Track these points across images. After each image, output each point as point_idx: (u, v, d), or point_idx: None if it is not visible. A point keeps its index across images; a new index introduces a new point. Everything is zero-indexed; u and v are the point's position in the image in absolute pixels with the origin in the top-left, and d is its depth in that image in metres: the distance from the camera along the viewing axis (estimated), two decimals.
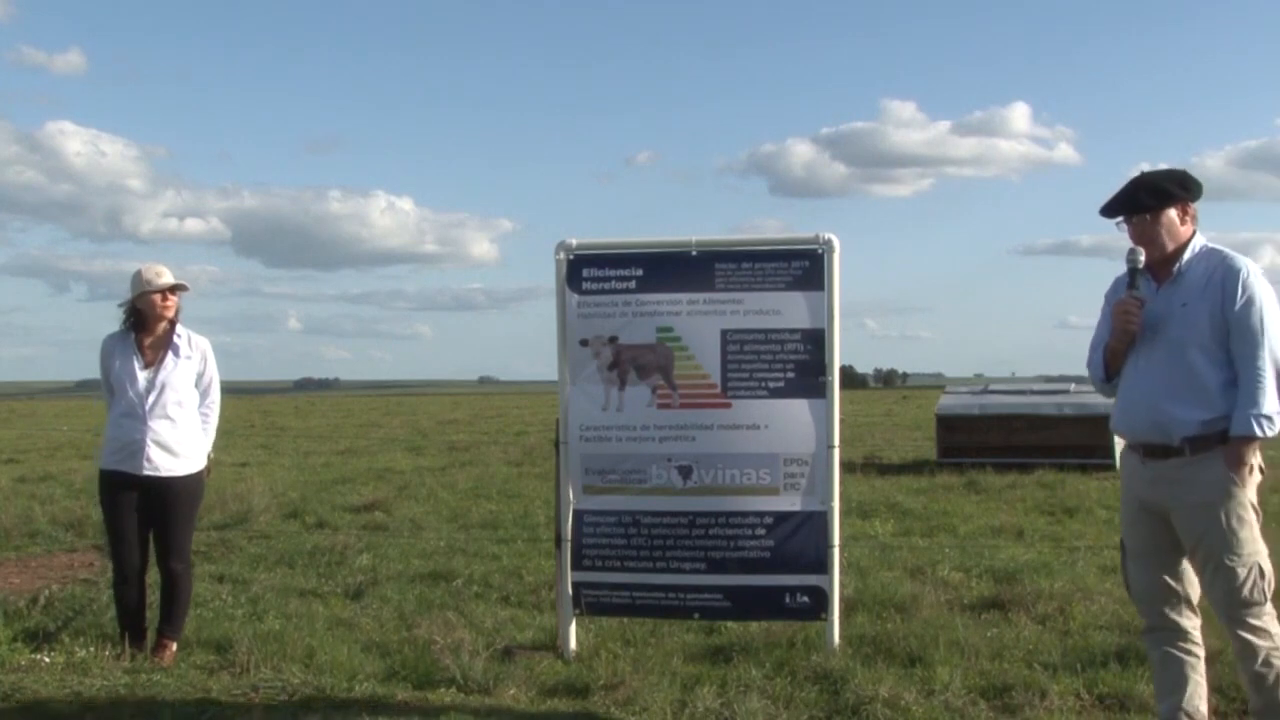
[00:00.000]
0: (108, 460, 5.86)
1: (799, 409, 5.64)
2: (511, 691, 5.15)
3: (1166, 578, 4.11)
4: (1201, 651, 4.15)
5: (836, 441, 5.66)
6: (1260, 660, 3.91)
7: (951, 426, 16.37)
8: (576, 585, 5.81)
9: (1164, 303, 4.02)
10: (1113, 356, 4.16)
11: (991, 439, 15.77)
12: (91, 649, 5.78)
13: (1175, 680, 4.12)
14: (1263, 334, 3.88)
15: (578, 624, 5.88)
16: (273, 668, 5.45)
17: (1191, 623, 4.13)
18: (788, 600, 5.66)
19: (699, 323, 5.72)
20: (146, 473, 5.77)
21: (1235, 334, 3.90)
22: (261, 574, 7.95)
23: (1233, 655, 4.06)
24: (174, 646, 5.86)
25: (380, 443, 24.54)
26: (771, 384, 5.66)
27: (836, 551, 5.69)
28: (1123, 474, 4.30)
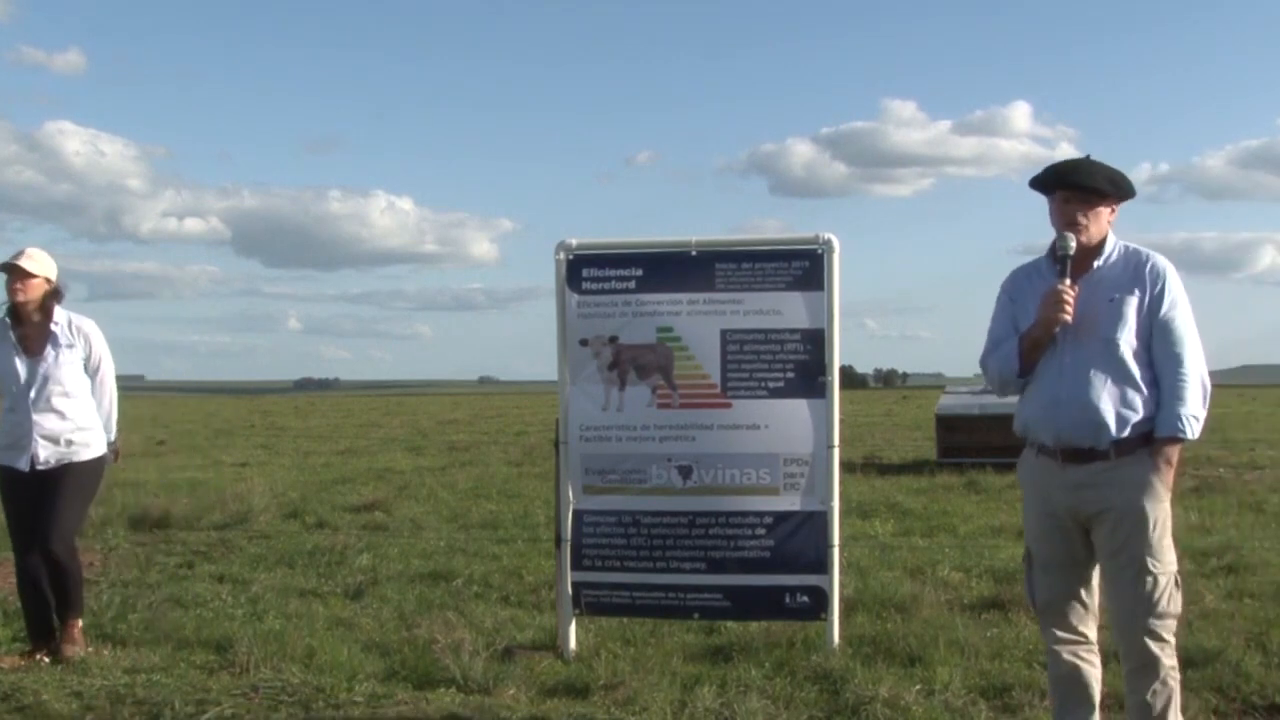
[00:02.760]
0: (0, 455, 5.74)
1: (799, 409, 5.64)
2: (511, 691, 5.14)
3: (1075, 586, 3.95)
4: (1100, 665, 4.02)
5: (836, 441, 5.66)
6: (1159, 679, 3.76)
7: (951, 426, 16.37)
8: (576, 585, 5.81)
9: (1087, 298, 3.85)
10: (1033, 348, 3.92)
11: (991, 439, 15.74)
12: (91, 649, 5.78)
13: (1082, 694, 3.97)
14: (1187, 336, 3.80)
15: (578, 624, 5.88)
16: (273, 668, 5.45)
17: (1093, 634, 3.99)
18: (788, 600, 5.66)
19: (699, 323, 5.72)
20: (38, 468, 5.65)
21: (1161, 334, 3.80)
22: (261, 574, 7.95)
23: (1125, 671, 3.86)
24: (80, 624, 5.80)
25: (380, 443, 24.57)
26: (771, 384, 5.66)
27: (836, 551, 5.69)
28: (1029, 481, 4.09)
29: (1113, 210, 3.94)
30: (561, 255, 5.87)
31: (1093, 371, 3.81)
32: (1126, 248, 3.94)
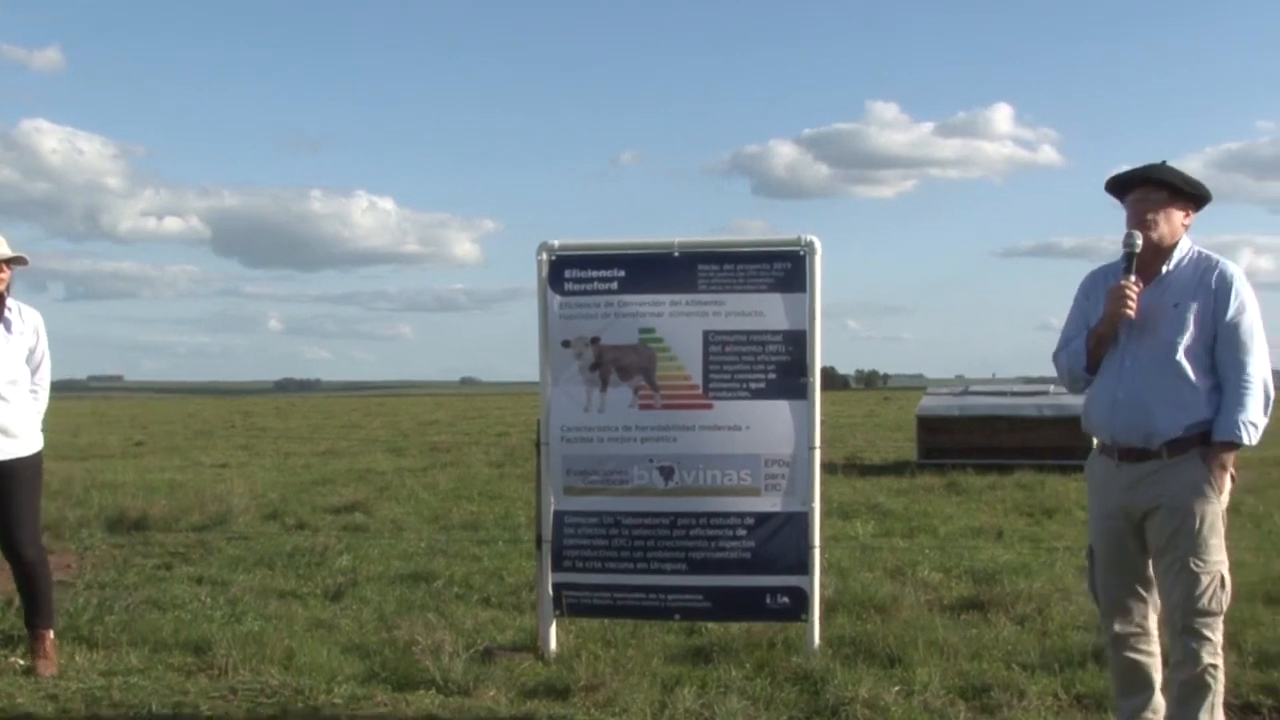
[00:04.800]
0: None
1: (780, 410, 5.65)
2: (491, 693, 5.14)
3: (1134, 583, 4.07)
4: (1159, 653, 4.12)
5: (817, 442, 5.67)
6: (1198, 670, 3.84)
7: (932, 428, 16.43)
8: (557, 586, 5.80)
9: (1152, 301, 3.95)
10: (1098, 344, 4.05)
11: (972, 440, 15.84)
12: (69, 651, 5.74)
13: (1141, 683, 4.09)
14: (1252, 342, 3.87)
15: (558, 625, 5.88)
16: (251, 670, 5.42)
17: (1153, 626, 4.10)
18: (768, 601, 5.66)
19: (681, 324, 5.73)
20: None
21: (1225, 341, 3.87)
22: (240, 575, 7.91)
23: (1171, 664, 3.98)
24: (51, 634, 5.68)
25: (361, 444, 24.49)
26: (753, 385, 5.66)
27: (817, 552, 5.69)
28: (1092, 480, 4.20)
29: (1187, 214, 4.03)
30: (544, 256, 5.86)
31: (1150, 374, 3.92)
32: (1199, 254, 4.01)
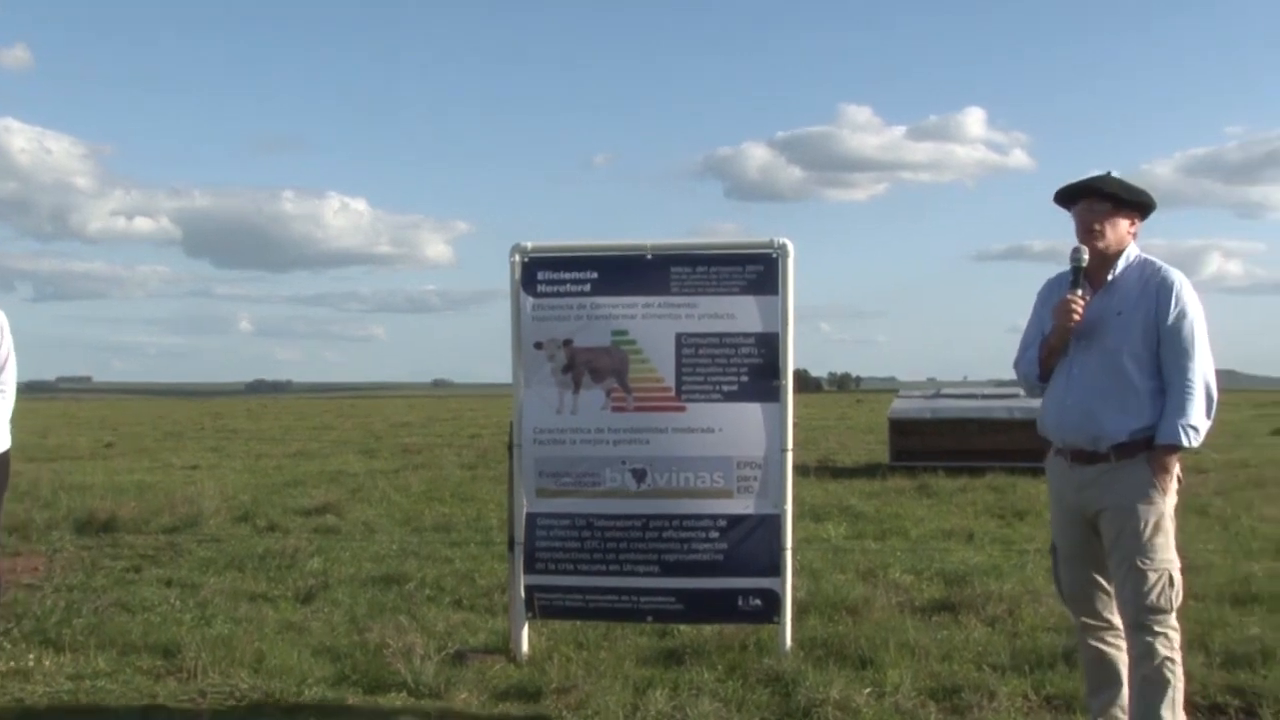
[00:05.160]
0: None
1: (753, 412, 5.66)
2: (463, 695, 5.13)
3: (1096, 576, 4.18)
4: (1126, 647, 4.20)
5: (790, 445, 5.68)
6: (1154, 664, 3.94)
7: (904, 430, 16.50)
8: (529, 588, 5.79)
9: (1099, 309, 4.08)
10: (1050, 354, 4.20)
11: (944, 442, 15.91)
12: (35, 655, 5.69)
13: (1110, 676, 4.20)
14: (1193, 347, 3.97)
15: (530, 627, 5.87)
16: (221, 672, 5.39)
17: (1119, 620, 4.17)
18: (740, 603, 5.67)
19: (653, 326, 5.73)
20: None
21: (1167, 345, 3.98)
22: (211, 578, 7.86)
23: (1129, 661, 4.08)
24: None
25: (333, 445, 24.39)
26: (725, 387, 5.67)
27: (789, 554, 5.71)
28: (1051, 479, 4.32)
29: (1132, 222, 4.14)
30: (516, 258, 5.86)
31: (1097, 380, 4.05)
32: (1145, 261, 4.13)
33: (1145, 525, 3.96)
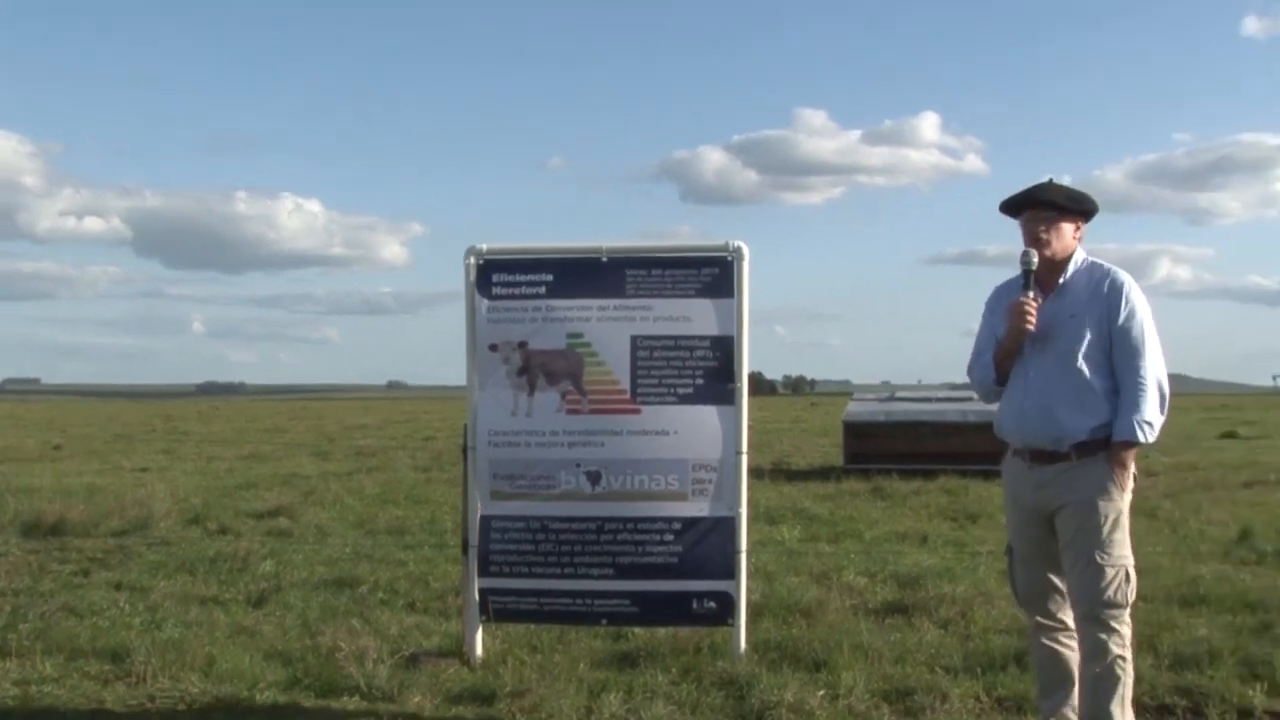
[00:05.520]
0: None
1: (708, 415, 5.67)
2: (416, 699, 5.10)
3: (1051, 576, 4.24)
4: (1079, 651, 4.25)
5: (744, 448, 5.69)
6: (1107, 661, 4.01)
7: (858, 433, 16.61)
8: (483, 591, 5.77)
9: (1051, 312, 4.15)
10: (1005, 357, 4.25)
11: (897, 445, 16.02)
12: None
13: (1062, 676, 4.25)
14: (1144, 345, 4.07)
15: (484, 631, 5.84)
16: (171, 677, 5.33)
17: (1072, 621, 4.24)
18: (695, 606, 5.67)
19: (609, 329, 5.73)
20: None
21: (1119, 345, 4.07)
22: (161, 581, 7.77)
23: (1080, 657, 4.15)
24: None
25: (286, 448, 24.21)
26: (681, 390, 5.68)
27: (744, 557, 5.72)
28: (1008, 480, 4.37)
29: (1077, 227, 4.23)
30: (471, 260, 5.84)
31: (1054, 382, 4.11)
32: (1092, 264, 4.22)
33: (1105, 521, 4.04)
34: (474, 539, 5.79)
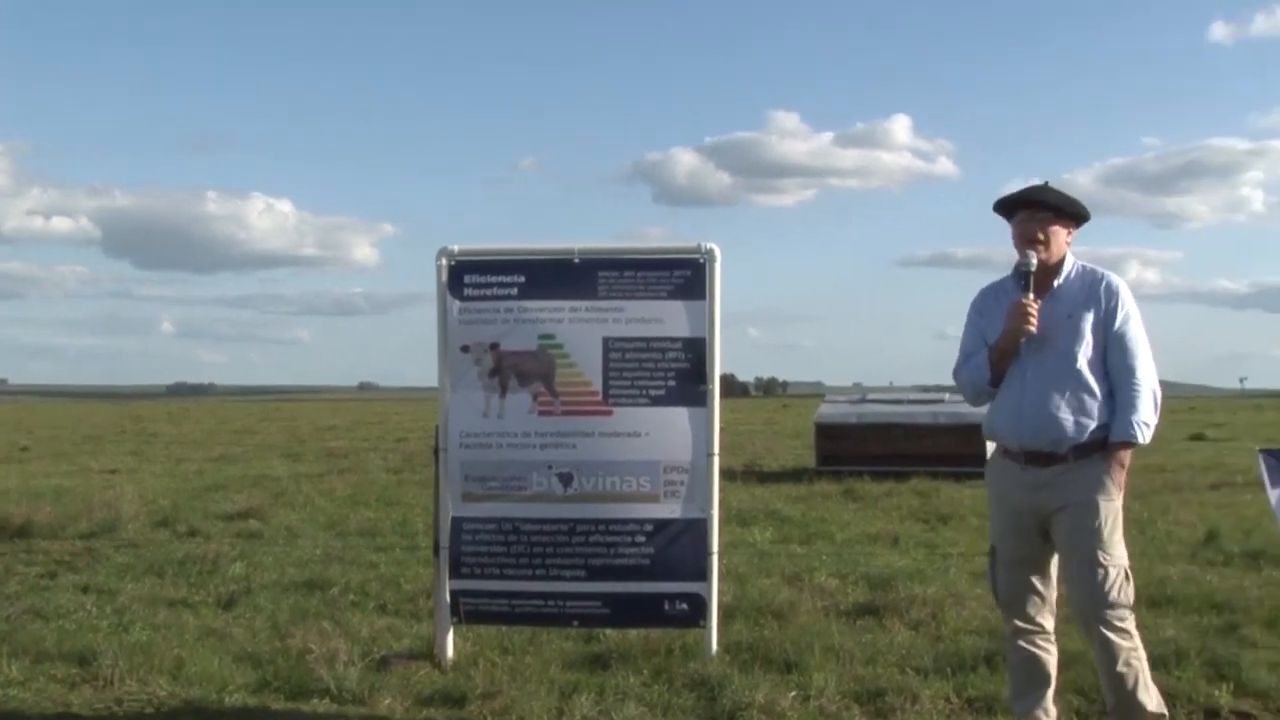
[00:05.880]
0: None
1: (680, 417, 5.67)
2: (387, 701, 5.08)
3: (1034, 579, 4.25)
4: (1056, 653, 4.30)
5: (716, 449, 5.70)
6: (1121, 661, 4.05)
7: (830, 435, 16.66)
8: (455, 593, 5.75)
9: (1047, 315, 4.15)
10: (1001, 358, 4.22)
11: (869, 447, 16.08)
12: None
13: (1038, 679, 4.27)
14: (1139, 347, 4.11)
15: (455, 633, 5.83)
16: (138, 680, 5.29)
17: (1050, 624, 4.28)
18: (667, 607, 5.68)
19: (581, 330, 5.72)
20: None
21: (1115, 348, 4.11)
22: (129, 584, 7.72)
23: (1094, 657, 4.18)
24: None
25: (256, 449, 24.08)
26: (653, 392, 5.68)
27: (715, 559, 5.72)
28: (995, 482, 4.36)
29: (1069, 232, 4.25)
30: (443, 261, 5.82)
31: (1052, 383, 4.12)
32: (1083, 267, 4.25)
33: (1104, 521, 4.06)
34: (445, 540, 5.77)
